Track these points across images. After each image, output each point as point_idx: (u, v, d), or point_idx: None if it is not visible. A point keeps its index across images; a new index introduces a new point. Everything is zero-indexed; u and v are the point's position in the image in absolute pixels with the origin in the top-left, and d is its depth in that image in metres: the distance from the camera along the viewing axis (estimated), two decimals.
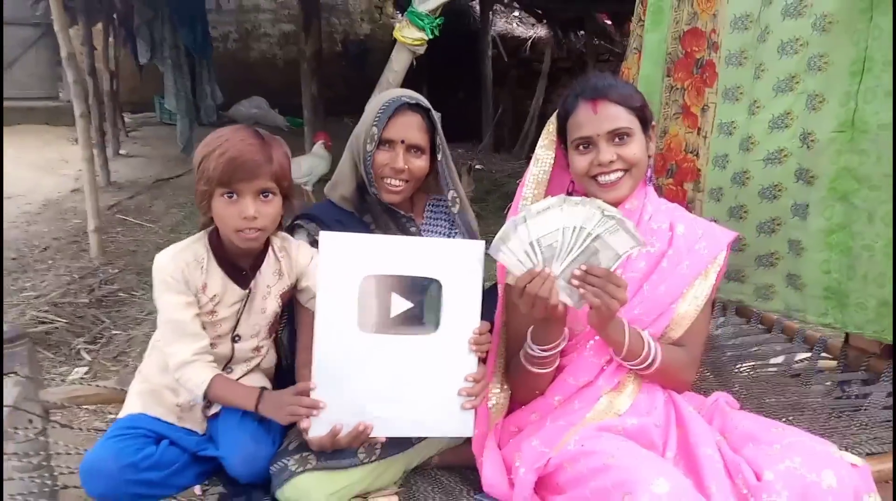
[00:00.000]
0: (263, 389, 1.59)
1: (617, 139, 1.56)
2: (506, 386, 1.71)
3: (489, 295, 1.73)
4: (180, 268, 1.57)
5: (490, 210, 5.94)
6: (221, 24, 11.18)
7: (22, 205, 5.66)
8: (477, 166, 7.18)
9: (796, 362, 2.26)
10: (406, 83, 3.18)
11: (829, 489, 1.29)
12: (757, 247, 2.26)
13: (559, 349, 1.52)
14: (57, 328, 3.18)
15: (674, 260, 1.62)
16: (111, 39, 7.69)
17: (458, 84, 9.90)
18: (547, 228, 1.36)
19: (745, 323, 2.53)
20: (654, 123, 1.69)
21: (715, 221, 2.36)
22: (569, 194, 1.66)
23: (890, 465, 1.64)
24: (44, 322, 3.19)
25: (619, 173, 1.56)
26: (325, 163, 5.87)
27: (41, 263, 4.16)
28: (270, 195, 1.57)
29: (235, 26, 11.53)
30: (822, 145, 2.01)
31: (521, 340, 1.58)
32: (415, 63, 3.00)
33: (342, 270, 1.43)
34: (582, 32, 8.27)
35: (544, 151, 1.72)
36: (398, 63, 2.95)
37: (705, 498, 1.30)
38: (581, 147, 1.59)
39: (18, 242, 4.61)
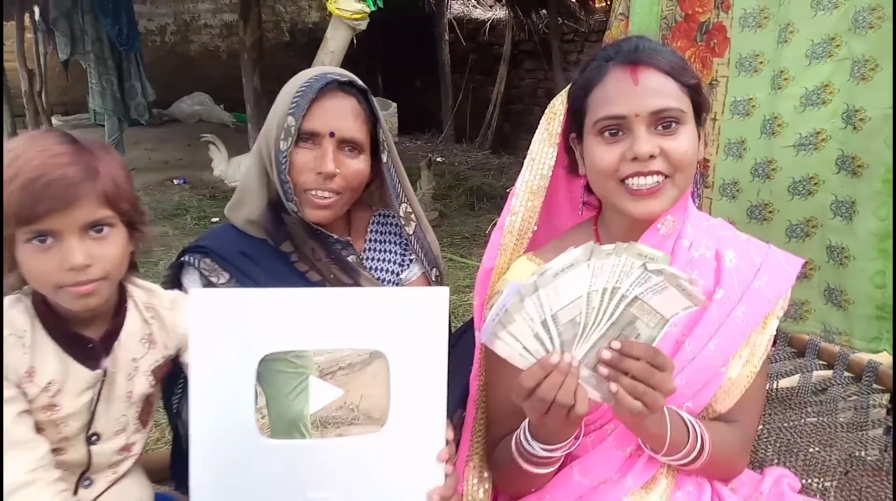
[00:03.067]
0: None
1: (661, 126, 1.08)
2: (485, 476, 1.23)
3: (459, 344, 1.26)
4: None
5: (453, 208, 5.48)
6: (157, 16, 10.55)
7: None
8: (438, 159, 6.68)
9: (843, 396, 1.82)
10: (355, 72, 2.67)
11: None
12: None
13: (573, 447, 1.05)
14: None
15: (725, 305, 1.15)
16: (31, 35, 7.00)
17: (414, 72, 9.47)
18: (568, 296, 0.86)
19: (771, 346, 2.08)
20: (707, 113, 1.21)
21: (732, 224, 1.94)
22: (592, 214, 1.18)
23: None
24: None
25: (659, 178, 1.08)
26: None
27: None
28: (105, 229, 1.08)
29: (173, 17, 10.87)
30: (873, 126, 1.63)
31: (511, 417, 1.12)
32: (354, 42, 2.49)
33: (228, 347, 0.93)
34: (544, 12, 7.81)
35: (542, 148, 1.24)
36: (335, 41, 2.44)
37: None
38: (607, 133, 1.11)
39: None
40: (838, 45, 1.67)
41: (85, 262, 1.04)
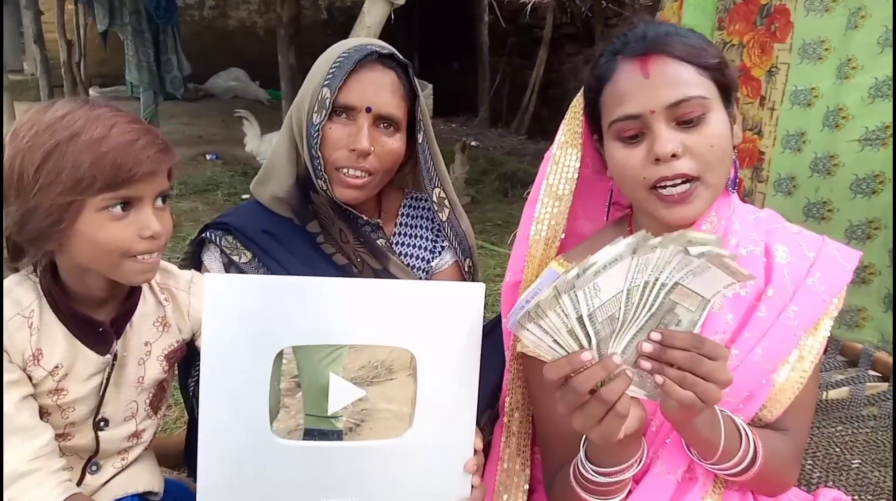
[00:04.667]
0: None
1: (682, 119, 0.97)
2: (523, 492, 1.15)
3: (491, 336, 1.17)
4: None
5: (486, 193, 5.39)
6: None
7: None
8: (472, 143, 6.59)
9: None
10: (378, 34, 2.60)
11: None
12: None
13: (634, 471, 0.95)
14: None
15: (775, 305, 1.05)
16: (72, 6, 7.04)
17: (452, 53, 9.37)
18: (609, 292, 0.76)
19: (823, 350, 1.97)
20: (737, 93, 1.09)
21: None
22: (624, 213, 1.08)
23: None
24: None
25: (688, 184, 0.98)
26: None
27: None
28: (166, 200, 1.05)
29: None
30: None
31: (565, 441, 1.02)
32: (392, 18, 2.40)
33: (243, 338, 0.85)
34: None
35: (565, 151, 1.13)
36: (372, 16, 2.36)
37: None
38: (625, 136, 1.00)
39: None
40: None
41: (160, 230, 1.00)
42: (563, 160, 1.14)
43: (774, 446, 1.04)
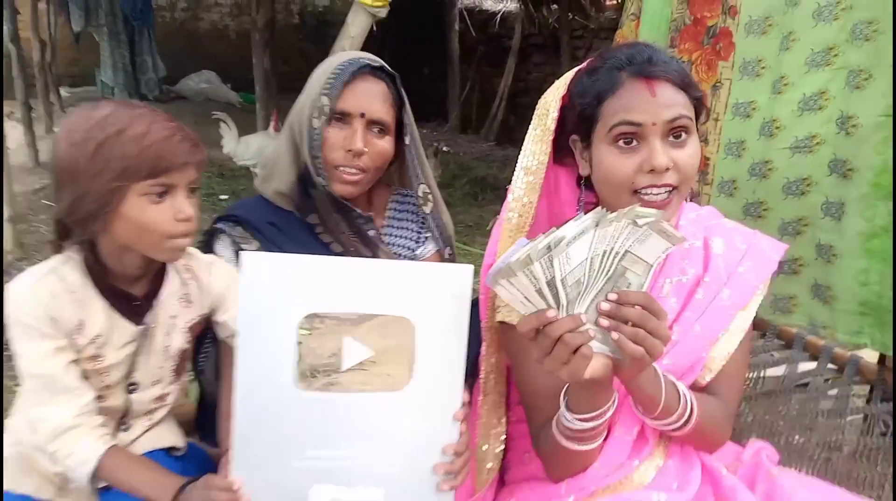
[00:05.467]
0: (190, 480, 1.16)
1: (673, 137, 1.15)
2: (500, 441, 1.32)
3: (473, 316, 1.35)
4: (43, 303, 1.15)
5: (457, 197, 5.58)
6: None
7: None
8: (444, 148, 6.77)
9: (825, 386, 1.93)
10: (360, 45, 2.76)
11: None
12: None
13: (608, 416, 1.11)
14: None
15: (711, 289, 1.25)
16: (43, 5, 7.04)
17: (423, 60, 9.50)
18: (576, 260, 0.95)
19: (760, 337, 2.19)
20: (704, 119, 1.28)
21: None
22: (580, 209, 1.26)
23: None
24: None
25: (670, 189, 1.16)
26: (274, 145, 5.42)
27: None
28: (194, 192, 1.20)
29: None
30: (865, 132, 1.71)
31: (547, 401, 1.18)
32: (374, 28, 2.58)
33: (273, 305, 1.02)
34: (555, 6, 7.89)
35: (536, 145, 1.29)
36: (355, 27, 2.53)
37: None
38: (622, 141, 1.16)
39: None
40: (836, 55, 1.75)
41: (192, 214, 1.16)
42: (533, 155, 1.28)
43: (708, 406, 1.22)
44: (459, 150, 7.80)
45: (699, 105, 1.20)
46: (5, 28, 5.18)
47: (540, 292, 0.95)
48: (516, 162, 1.32)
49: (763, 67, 1.93)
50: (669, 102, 1.14)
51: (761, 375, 2.03)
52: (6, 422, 1.31)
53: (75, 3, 6.08)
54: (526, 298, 0.96)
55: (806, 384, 1.99)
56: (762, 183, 1.94)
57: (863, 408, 1.86)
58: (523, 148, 1.30)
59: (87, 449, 1.17)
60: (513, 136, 8.29)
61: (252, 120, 6.55)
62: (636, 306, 0.97)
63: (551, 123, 1.27)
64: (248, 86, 9.18)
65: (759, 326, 2.20)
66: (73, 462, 1.16)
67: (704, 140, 2.09)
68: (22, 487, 1.24)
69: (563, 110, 1.26)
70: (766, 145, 1.92)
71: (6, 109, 8.15)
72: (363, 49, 2.52)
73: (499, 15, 8.93)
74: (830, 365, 1.96)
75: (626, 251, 0.97)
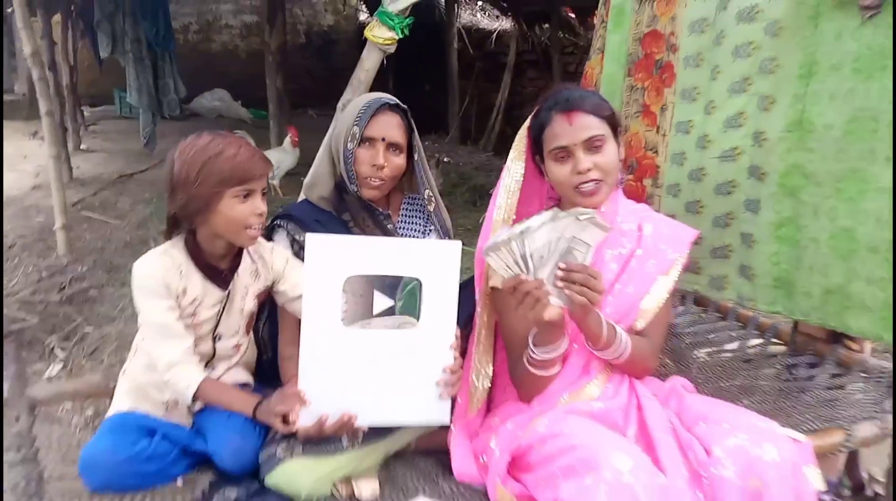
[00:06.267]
0: (263, 396, 1.64)
1: (592, 148, 1.64)
2: (487, 379, 1.79)
3: (467, 287, 1.80)
4: (160, 274, 1.62)
5: (458, 203, 6.03)
6: (182, 16, 11.06)
7: None
8: (445, 159, 7.24)
9: (749, 347, 2.39)
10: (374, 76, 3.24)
11: (772, 461, 1.42)
12: (712, 240, 2.36)
13: (561, 350, 1.60)
14: (30, 326, 3.19)
15: (642, 260, 1.73)
16: (69, 32, 7.56)
17: (425, 76, 9.92)
18: (538, 243, 1.44)
19: (703, 312, 2.66)
20: (621, 128, 1.78)
21: (674, 215, 2.49)
22: (555, 202, 1.75)
23: (830, 440, 1.80)
24: (16, 321, 3.20)
25: (596, 182, 1.65)
26: (292, 158, 5.92)
27: (8, 261, 4.13)
28: (264, 195, 1.66)
29: (196, 17, 11.41)
30: (772, 144, 2.11)
31: (521, 342, 1.65)
32: (385, 62, 3.07)
33: (327, 270, 1.51)
34: (546, 25, 8.38)
35: (514, 163, 1.78)
36: (369, 62, 3.01)
37: (662, 473, 1.42)
38: (559, 157, 1.67)
39: None
40: (750, 84, 2.17)
41: (265, 211, 1.63)
42: (513, 168, 1.79)
43: (639, 344, 1.71)
44: (459, 160, 8.24)
45: (612, 119, 1.70)
46: (44, 56, 5.67)
47: (517, 262, 1.44)
48: None
49: (698, 93, 2.38)
50: (584, 125, 1.64)
51: (703, 340, 2.50)
52: (124, 367, 1.79)
53: (103, 31, 6.52)
54: (507, 266, 1.45)
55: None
56: (698, 185, 2.38)
57: (779, 361, 2.32)
58: (505, 165, 1.80)
59: (190, 377, 1.63)
60: (509, 146, 8.70)
61: (262, 135, 6.97)
62: (579, 273, 1.47)
63: (523, 146, 1.79)
64: (257, 102, 9.67)
65: (701, 302, 2.69)
66: (181, 387, 1.62)
67: (655, 151, 2.57)
68: (141, 408, 1.71)
69: (530, 140, 1.78)
70: (700, 155, 2.36)
71: (31, 129, 8.68)
72: None
73: (494, 33, 9.40)
74: (755, 331, 2.44)
75: (573, 236, 1.46)
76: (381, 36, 2.91)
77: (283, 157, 5.90)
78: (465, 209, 5.92)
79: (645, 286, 1.73)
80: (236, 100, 10.59)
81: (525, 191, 1.82)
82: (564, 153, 1.66)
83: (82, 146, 7.92)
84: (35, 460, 1.66)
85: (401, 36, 2.94)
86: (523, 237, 1.42)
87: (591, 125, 1.65)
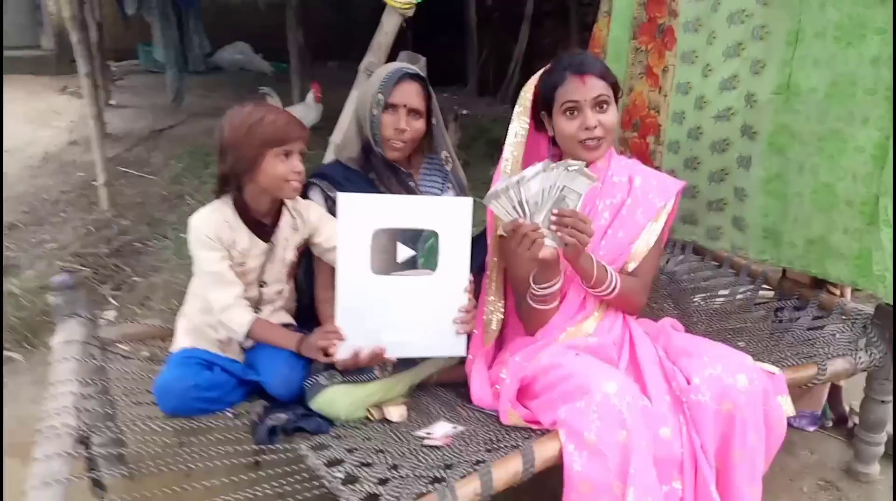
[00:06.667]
0: (305, 334, 1.88)
1: (598, 108, 1.84)
2: (500, 307, 2.02)
3: (480, 238, 2.04)
4: (213, 228, 1.86)
5: (476, 156, 6.16)
6: None
7: (22, 159, 5.84)
8: (463, 112, 7.37)
9: (740, 293, 2.62)
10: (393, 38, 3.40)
11: (743, 388, 1.66)
12: (708, 194, 2.56)
13: (557, 286, 1.82)
14: (84, 277, 3.49)
15: (631, 208, 1.95)
16: None
17: (442, 28, 9.93)
18: (532, 190, 1.66)
19: (700, 260, 2.88)
20: (621, 94, 1.98)
21: (673, 171, 2.69)
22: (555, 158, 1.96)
23: (804, 373, 2.03)
24: (70, 271, 3.49)
25: (599, 139, 1.85)
26: (315, 113, 6.10)
27: (54, 216, 4.40)
28: (303, 156, 1.87)
29: None
30: (762, 105, 2.28)
31: (525, 283, 1.87)
32: (404, 24, 3.24)
33: (357, 225, 1.75)
34: None
35: (520, 118, 1.97)
36: (388, 25, 3.19)
37: (647, 398, 1.67)
38: (568, 113, 1.85)
39: (27, 195, 4.82)
40: (743, 48, 2.34)
41: (302, 169, 1.85)
42: (518, 124, 1.97)
43: (629, 282, 1.93)
44: (478, 112, 8.31)
45: (615, 86, 1.90)
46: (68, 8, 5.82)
47: (514, 208, 1.67)
48: None
49: (696, 56, 2.54)
50: (594, 86, 1.84)
51: (700, 285, 2.71)
52: (182, 309, 2.06)
53: None
54: (506, 211, 1.68)
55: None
56: (696, 143, 2.56)
57: (767, 305, 2.54)
58: (511, 120, 1.99)
59: (243, 317, 1.89)
60: None
61: (285, 89, 7.12)
62: (570, 217, 1.68)
63: (527, 102, 1.97)
64: (277, 55, 9.73)
65: (698, 251, 2.90)
66: (235, 325, 1.88)
67: (657, 111, 2.75)
68: (200, 346, 1.98)
69: (536, 97, 1.96)
70: (698, 115, 2.54)
71: (60, 84, 8.90)
72: None
73: None
74: (748, 277, 2.65)
75: (564, 186, 1.68)
76: (399, 0, 3.09)
77: (306, 112, 6.08)
78: (483, 163, 6.05)
79: (635, 232, 1.95)
80: (257, 53, 10.66)
81: (527, 146, 2.03)
82: (573, 110, 1.85)
83: (112, 102, 8.11)
84: (107, 391, 1.95)
85: (418, 0, 3.11)
86: (519, 186, 1.65)
87: (599, 86, 1.85)
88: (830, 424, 2.61)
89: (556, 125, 1.90)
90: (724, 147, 2.49)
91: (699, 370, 1.70)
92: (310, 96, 6.16)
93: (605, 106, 1.85)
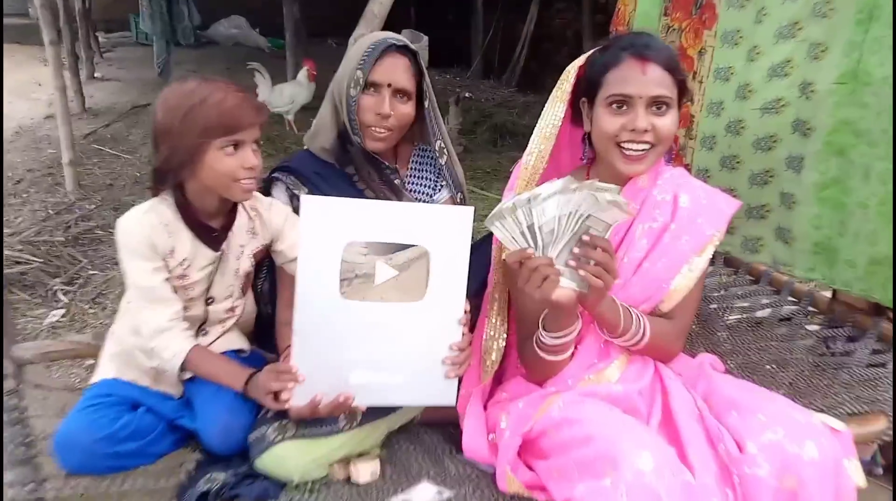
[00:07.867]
0: (255, 371, 1.51)
1: (655, 108, 1.46)
2: (503, 332, 1.65)
3: (481, 246, 1.67)
4: (145, 233, 1.50)
5: (478, 143, 5.81)
6: None
7: None
8: (465, 95, 6.98)
9: (783, 316, 2.25)
10: (392, 5, 3.03)
11: (811, 460, 1.29)
12: (748, 198, 2.21)
13: (572, 336, 1.45)
14: (32, 267, 3.11)
15: (675, 234, 1.55)
16: None
17: (447, 6, 9.57)
18: (548, 214, 1.28)
19: (734, 273, 2.50)
20: (687, 98, 1.57)
21: (706, 171, 2.32)
22: (584, 160, 1.57)
23: (872, 428, 1.66)
24: (19, 262, 3.11)
25: (647, 146, 1.47)
26: (307, 92, 5.72)
27: (15, 197, 4.02)
28: (259, 146, 1.51)
29: None
30: (821, 97, 1.95)
31: (532, 320, 1.51)
32: None
33: (324, 236, 1.36)
34: None
35: (555, 104, 1.58)
36: None
37: (689, 469, 1.29)
38: (615, 106, 1.47)
39: None
40: (800, 28, 1.99)
41: (256, 163, 1.47)
42: (552, 111, 1.58)
43: (661, 327, 1.55)
44: (481, 96, 7.97)
45: (683, 86, 1.50)
46: None
47: (523, 234, 1.28)
48: (535, 109, 1.62)
49: (740, 37, 2.18)
50: (656, 80, 1.44)
51: (731, 306, 2.35)
52: (112, 328, 1.69)
53: None
54: (513, 237, 1.29)
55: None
56: (736, 139, 2.21)
57: (815, 333, 2.17)
58: (545, 107, 1.59)
59: (178, 345, 1.53)
60: (534, 82, 8.43)
61: (280, 65, 6.79)
62: (599, 249, 1.30)
63: (568, 86, 1.58)
64: (275, 31, 9.38)
65: (731, 263, 2.53)
66: (167, 354, 1.52)
67: (689, 100, 2.36)
68: (127, 375, 1.61)
69: (580, 80, 1.57)
70: (740, 106, 2.18)
71: (40, 55, 8.51)
72: None
73: None
74: (790, 298, 2.28)
75: (590, 215, 1.30)
76: None
77: (298, 91, 5.70)
78: (484, 150, 5.71)
79: (677, 264, 1.55)
80: (254, 27, 10.31)
81: (558, 141, 1.63)
82: (622, 103, 1.46)
83: (96, 75, 7.75)
84: (23, 426, 1.58)
85: None
86: (530, 206, 1.26)
87: (663, 82, 1.45)
88: (881, 471, 2.25)
89: (596, 118, 1.51)
90: (771, 145, 2.14)
91: (754, 434, 1.33)
92: (302, 74, 5.76)
93: (663, 107, 1.46)
